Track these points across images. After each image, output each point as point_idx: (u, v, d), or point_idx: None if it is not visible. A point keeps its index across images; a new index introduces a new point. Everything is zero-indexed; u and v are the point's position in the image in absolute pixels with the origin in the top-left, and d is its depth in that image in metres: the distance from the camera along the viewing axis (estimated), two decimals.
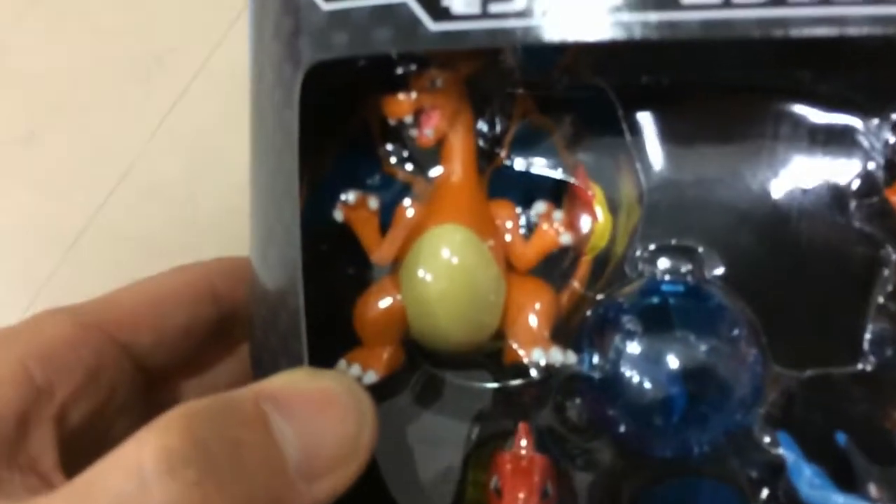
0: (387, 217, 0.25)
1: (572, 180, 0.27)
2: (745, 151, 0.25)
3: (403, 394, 0.26)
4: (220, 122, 0.39)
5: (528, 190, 0.27)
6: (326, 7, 0.20)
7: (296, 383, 0.21)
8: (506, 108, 0.26)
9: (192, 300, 0.27)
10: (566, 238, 0.24)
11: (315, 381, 0.21)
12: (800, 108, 0.25)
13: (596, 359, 0.24)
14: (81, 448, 0.24)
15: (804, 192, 0.25)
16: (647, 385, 0.24)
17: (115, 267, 0.39)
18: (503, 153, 0.26)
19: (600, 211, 0.26)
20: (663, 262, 0.25)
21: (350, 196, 0.24)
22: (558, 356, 0.23)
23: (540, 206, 0.24)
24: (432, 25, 0.19)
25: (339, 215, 0.24)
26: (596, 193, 0.26)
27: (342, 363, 0.24)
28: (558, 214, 0.24)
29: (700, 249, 0.25)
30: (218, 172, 0.40)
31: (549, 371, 0.24)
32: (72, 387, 0.23)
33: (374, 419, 0.21)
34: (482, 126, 0.26)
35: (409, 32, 0.19)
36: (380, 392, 0.25)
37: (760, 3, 0.18)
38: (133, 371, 0.26)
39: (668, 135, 0.26)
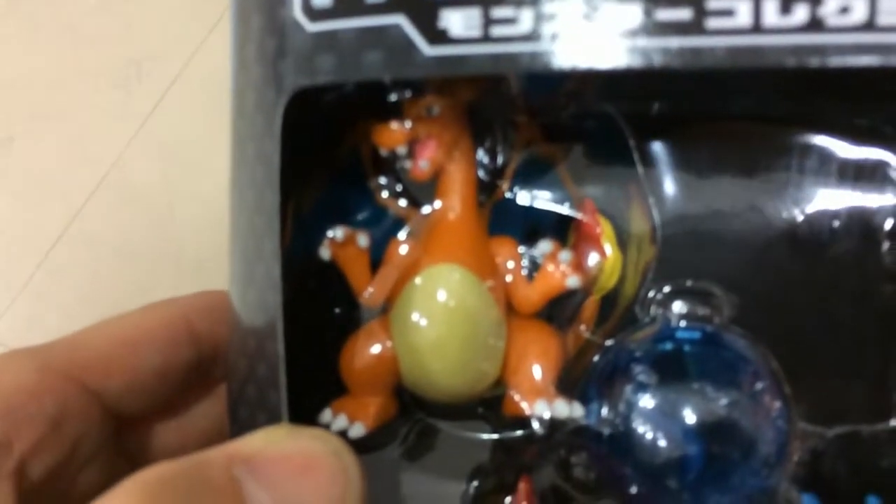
0: (378, 253, 0.23)
1: (579, 215, 0.25)
2: (767, 185, 0.24)
3: (395, 445, 0.24)
4: (199, 128, 0.39)
5: (531, 224, 0.25)
6: (311, 28, 0.18)
7: (274, 444, 0.19)
8: (508, 137, 0.24)
9: (167, 341, 0.25)
10: (573, 281, 0.22)
11: (295, 442, 0.19)
12: (827, 141, 0.23)
13: (604, 411, 0.22)
14: (43, 503, 0.22)
15: (831, 230, 0.23)
16: (661, 442, 0.22)
17: (93, 273, 0.40)
18: (504, 185, 0.25)
19: (609, 248, 0.24)
20: (678, 306, 0.23)
21: (338, 232, 0.22)
22: (563, 409, 0.21)
23: (545, 246, 0.22)
24: (428, 49, 0.17)
25: (325, 253, 0.22)
26: (604, 229, 0.24)
27: (327, 413, 0.22)
28: (565, 255, 0.22)
29: (718, 293, 0.23)
30: (196, 178, 0.40)
31: (553, 425, 0.21)
32: (32, 439, 0.21)
33: (361, 482, 0.19)
34: (483, 156, 0.24)
35: (402, 56, 0.17)
36: (369, 443, 0.23)
37: (795, 29, 0.16)
38: (102, 418, 0.24)
39: (683, 166, 0.24)
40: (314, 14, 0.18)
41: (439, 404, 0.23)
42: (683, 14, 0.16)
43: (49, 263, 0.41)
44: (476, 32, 0.17)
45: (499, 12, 0.17)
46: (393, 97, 0.21)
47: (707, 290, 0.23)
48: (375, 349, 0.22)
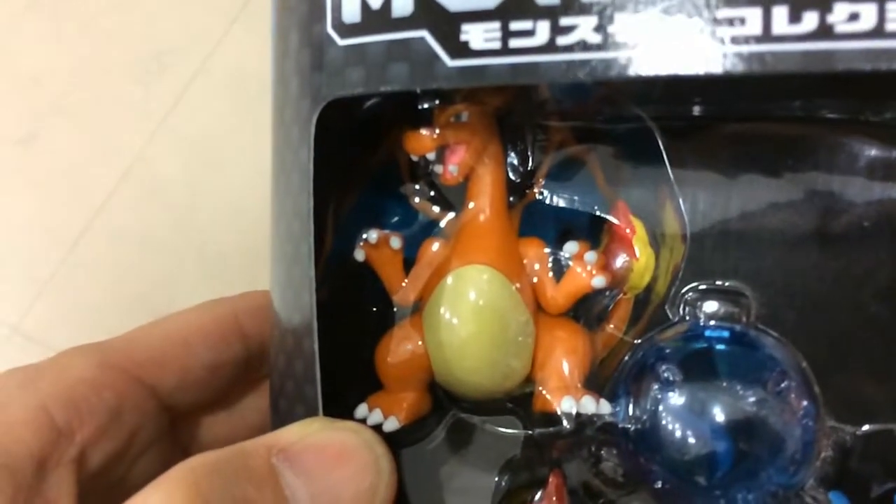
0: (411, 254, 0.24)
1: (611, 217, 0.25)
2: (796, 184, 0.24)
3: (430, 439, 0.25)
4: (220, 121, 0.39)
5: (564, 226, 0.25)
6: (342, 42, 0.19)
7: (310, 436, 0.20)
8: (539, 141, 0.24)
9: (218, 339, 0.26)
10: (599, 281, 0.22)
11: (330, 434, 0.20)
12: (857, 139, 0.23)
13: (632, 409, 0.23)
14: (101, 489, 0.24)
15: (862, 227, 0.23)
16: (690, 439, 0.22)
17: (116, 267, 0.40)
18: (537, 187, 0.25)
19: (640, 249, 0.25)
20: (708, 305, 0.23)
21: (372, 234, 0.23)
22: (591, 406, 0.22)
23: (572, 247, 0.23)
24: (450, 61, 0.18)
25: (360, 255, 0.23)
26: (637, 230, 0.25)
27: (363, 407, 0.23)
28: (591, 256, 0.22)
29: (747, 293, 0.23)
30: (218, 171, 0.39)
31: (580, 421, 0.22)
32: (93, 429, 0.23)
33: (393, 473, 0.20)
34: (514, 159, 0.24)
35: (425, 68, 0.18)
36: (404, 436, 0.24)
37: (866, 33, 0.16)
38: (157, 411, 0.25)
39: (714, 166, 0.25)
40: (344, 29, 0.19)
41: (471, 400, 0.24)
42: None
43: (73, 258, 0.41)
44: (496, 45, 0.18)
45: (517, 25, 0.18)
46: (424, 105, 0.22)
47: (736, 290, 0.23)
48: (408, 346, 0.23)
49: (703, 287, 0.24)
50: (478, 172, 0.23)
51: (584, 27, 0.17)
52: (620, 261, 0.25)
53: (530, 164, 0.24)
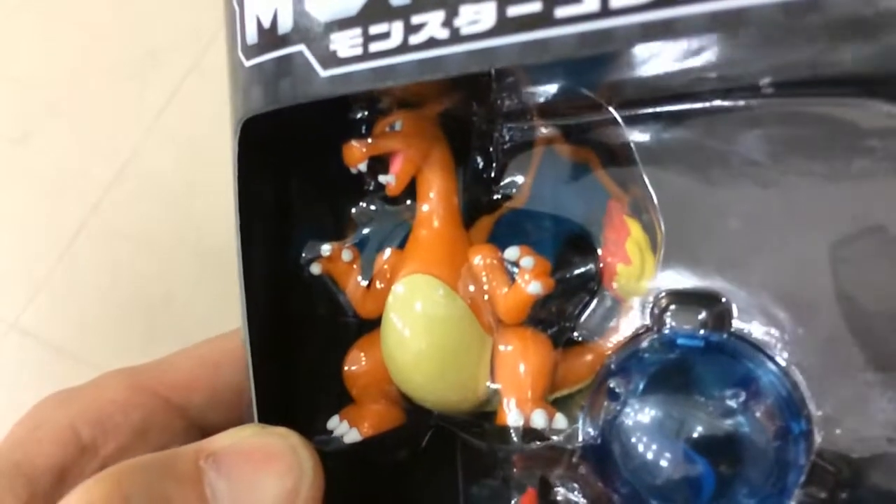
0: None
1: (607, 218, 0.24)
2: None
3: (407, 448, 0.25)
4: (215, 118, 0.36)
5: (566, 230, 0.24)
6: (248, 63, 0.20)
7: (241, 440, 0.21)
8: (503, 144, 0.24)
9: (245, 361, 0.28)
10: (535, 287, 0.21)
11: (258, 438, 0.21)
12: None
13: (590, 427, 0.21)
14: None
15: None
16: (658, 461, 0.20)
17: (113, 263, 0.40)
18: (526, 190, 0.24)
19: (632, 252, 0.23)
20: (680, 311, 0.21)
21: (325, 248, 0.23)
22: (541, 420, 0.21)
23: (512, 253, 0.21)
24: (322, 72, 0.18)
25: (315, 269, 0.23)
26: (632, 231, 0.23)
27: (335, 419, 0.24)
28: (527, 261, 0.21)
29: (723, 298, 0.21)
30: (213, 169, 0.38)
31: (530, 436, 0.21)
32: (116, 446, 0.25)
33: (317, 476, 0.20)
34: (479, 164, 0.24)
35: (304, 81, 0.18)
36: (382, 446, 0.24)
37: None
38: (185, 430, 0.27)
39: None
40: (248, 51, 0.20)
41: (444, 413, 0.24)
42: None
43: (70, 255, 0.41)
44: (358, 52, 0.18)
45: (374, 29, 0.17)
46: (356, 115, 0.22)
47: (711, 293, 0.21)
48: (369, 359, 0.23)
49: (674, 292, 0.21)
50: (423, 180, 0.22)
51: (432, 24, 0.17)
52: (616, 265, 0.23)
53: (493, 168, 0.24)
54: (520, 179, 0.24)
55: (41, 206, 0.43)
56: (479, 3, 0.16)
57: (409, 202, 0.23)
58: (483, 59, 0.16)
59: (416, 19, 0.17)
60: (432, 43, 0.17)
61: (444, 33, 0.16)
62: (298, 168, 0.24)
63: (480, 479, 0.24)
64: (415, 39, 0.17)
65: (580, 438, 0.21)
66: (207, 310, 0.34)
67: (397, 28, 0.17)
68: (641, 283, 0.23)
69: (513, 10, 0.16)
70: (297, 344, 0.24)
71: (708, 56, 0.18)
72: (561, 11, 0.15)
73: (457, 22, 0.16)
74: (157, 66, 0.42)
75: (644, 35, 0.15)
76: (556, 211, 0.24)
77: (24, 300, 0.41)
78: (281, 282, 0.23)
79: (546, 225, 0.24)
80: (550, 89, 0.23)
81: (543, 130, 0.24)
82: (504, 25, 0.16)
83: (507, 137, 0.24)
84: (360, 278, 0.23)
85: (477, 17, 0.16)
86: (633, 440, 0.20)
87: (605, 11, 0.15)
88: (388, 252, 0.23)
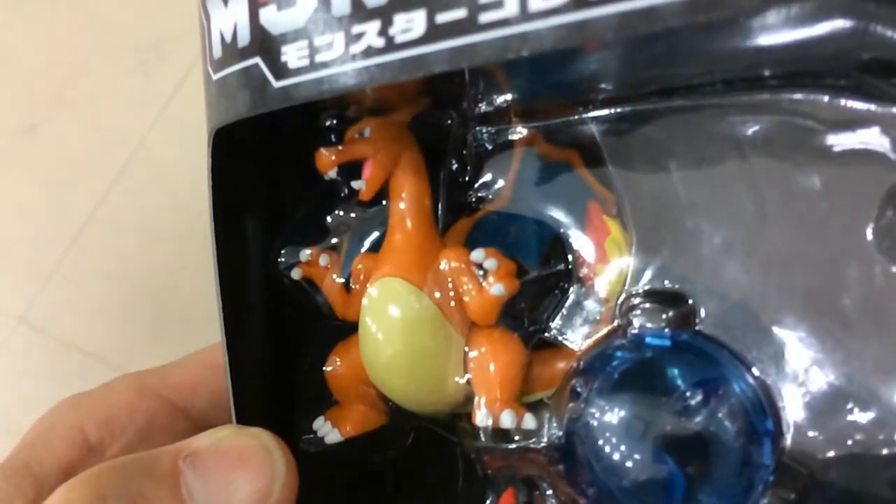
0: None
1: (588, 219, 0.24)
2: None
3: (395, 448, 0.25)
4: None
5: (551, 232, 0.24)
6: (215, 76, 0.21)
7: (218, 441, 0.21)
8: (479, 147, 0.24)
9: None
10: (497, 289, 0.21)
11: (234, 439, 0.22)
12: None
13: (556, 427, 0.21)
14: None
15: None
16: (625, 462, 0.20)
17: (120, 255, 0.40)
18: (506, 192, 0.24)
19: (611, 252, 0.23)
20: (647, 310, 0.21)
21: (305, 253, 0.24)
22: (508, 420, 0.21)
23: (478, 254, 0.21)
24: (275, 83, 0.19)
25: (296, 273, 0.24)
26: (612, 231, 0.23)
27: (320, 420, 0.24)
28: (491, 263, 0.21)
29: (689, 297, 0.20)
30: None
31: (499, 436, 0.21)
32: (122, 445, 0.26)
33: (291, 476, 0.21)
34: (454, 167, 0.24)
35: (260, 93, 0.19)
36: (371, 445, 0.24)
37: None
38: (189, 431, 0.28)
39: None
40: (215, 64, 0.21)
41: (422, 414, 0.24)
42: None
43: (77, 247, 0.41)
44: (306, 63, 0.18)
45: (319, 40, 0.18)
46: (326, 123, 0.22)
47: (677, 293, 0.21)
48: (349, 361, 0.24)
49: (640, 292, 0.21)
50: (395, 184, 0.23)
51: (370, 33, 0.17)
52: (597, 265, 0.23)
53: (469, 171, 0.24)
54: (498, 181, 0.24)
55: (48, 197, 0.43)
56: (410, 11, 0.16)
57: (384, 203, 0.24)
58: (416, 65, 0.16)
59: (355, 29, 0.17)
60: (370, 52, 0.17)
61: (380, 42, 0.17)
62: (289, 171, 0.25)
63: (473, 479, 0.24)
64: (354, 49, 0.17)
65: (545, 439, 0.21)
66: (214, 301, 0.35)
67: (339, 38, 0.17)
68: (620, 282, 0.23)
69: (441, 17, 0.16)
70: (294, 345, 0.25)
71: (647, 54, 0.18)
72: (484, 17, 0.15)
73: (391, 31, 0.17)
74: (164, 57, 0.42)
75: (561, 38, 0.15)
76: (538, 212, 0.24)
77: (32, 293, 0.41)
78: (270, 284, 0.24)
79: (524, 226, 0.24)
80: (521, 90, 0.23)
81: (521, 131, 0.24)
82: (434, 32, 0.16)
83: (481, 140, 0.24)
84: (338, 280, 0.24)
85: (409, 26, 0.16)
86: (600, 441, 0.20)
87: (525, 16, 0.15)
88: (363, 255, 0.23)
